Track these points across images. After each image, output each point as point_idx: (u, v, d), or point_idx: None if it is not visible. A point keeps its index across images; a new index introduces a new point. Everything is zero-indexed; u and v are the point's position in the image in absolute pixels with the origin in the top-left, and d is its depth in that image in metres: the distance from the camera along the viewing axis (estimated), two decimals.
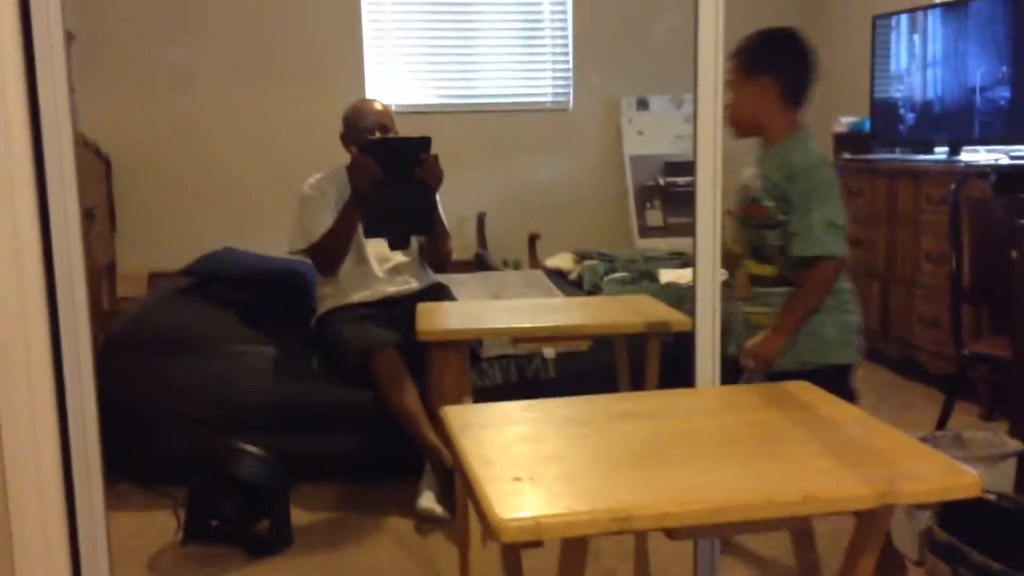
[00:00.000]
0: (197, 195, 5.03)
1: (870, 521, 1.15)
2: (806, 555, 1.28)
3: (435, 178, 2.73)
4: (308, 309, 3.14)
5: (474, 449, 1.22)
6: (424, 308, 2.18)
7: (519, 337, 1.95)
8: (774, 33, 2.23)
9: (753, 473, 1.14)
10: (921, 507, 2.09)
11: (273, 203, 4.57)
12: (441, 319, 2.05)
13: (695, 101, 1.70)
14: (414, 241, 3.06)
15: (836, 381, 2.11)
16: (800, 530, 1.26)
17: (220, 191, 5.04)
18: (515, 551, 1.22)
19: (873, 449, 1.20)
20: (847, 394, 2.18)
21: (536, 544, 1.05)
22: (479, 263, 5.00)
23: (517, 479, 1.13)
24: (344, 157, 3.07)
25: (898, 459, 1.16)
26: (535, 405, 1.45)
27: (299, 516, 2.69)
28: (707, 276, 1.68)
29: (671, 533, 1.08)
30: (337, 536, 2.61)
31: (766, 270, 2.20)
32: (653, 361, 1.98)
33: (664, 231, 5.27)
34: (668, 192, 5.31)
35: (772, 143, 2.19)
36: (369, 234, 2.81)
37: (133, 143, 4.92)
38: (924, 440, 2.50)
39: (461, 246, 4.85)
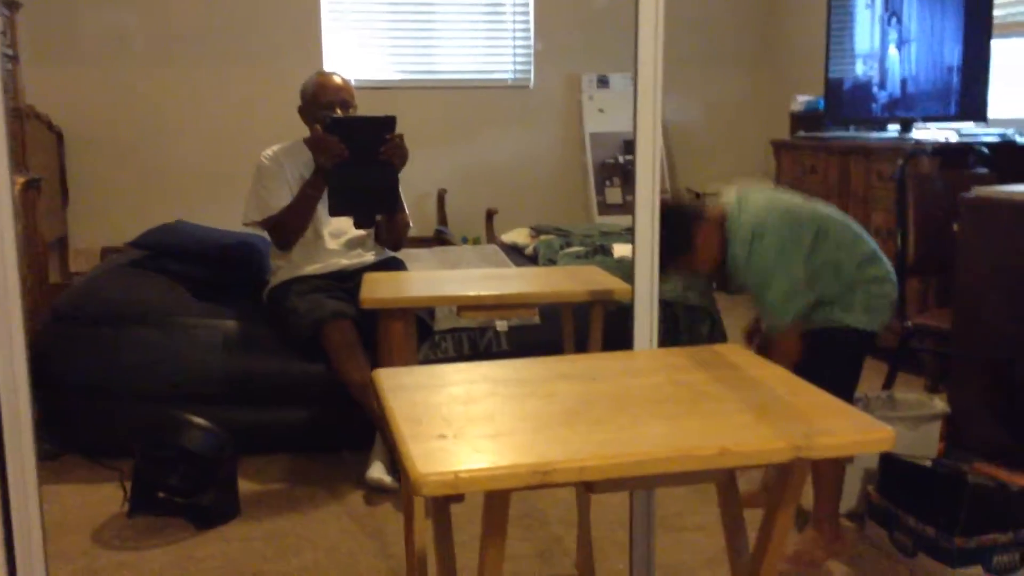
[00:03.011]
0: (151, 169, 4.97)
1: (787, 476, 1.18)
2: (730, 508, 1.31)
3: (400, 157, 2.74)
4: (260, 282, 3.13)
5: (403, 409, 1.23)
6: (370, 278, 2.19)
7: (464, 305, 1.96)
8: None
9: (674, 429, 1.16)
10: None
11: (227, 176, 4.54)
12: (385, 288, 2.05)
13: (635, 78, 1.70)
14: None
15: (843, 343, 2.20)
16: (724, 484, 1.29)
17: (174, 165, 4.99)
18: (444, 509, 1.23)
19: (793, 406, 1.22)
20: (849, 357, 2.23)
21: (457, 499, 1.06)
22: (439, 239, 5.00)
23: (442, 436, 1.14)
24: (301, 130, 3.05)
25: (816, 416, 1.18)
26: (471, 367, 1.46)
27: (248, 488, 2.70)
28: (646, 243, 1.69)
29: (591, 487, 1.10)
30: (286, 507, 2.61)
31: None
32: (596, 327, 2.00)
33: (623, 208, 5.30)
34: (627, 170, 5.34)
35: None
36: (334, 212, 2.82)
37: (85, 116, 4.85)
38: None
39: (421, 223, 4.84)
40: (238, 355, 2.95)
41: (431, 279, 2.51)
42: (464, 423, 1.19)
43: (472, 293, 1.97)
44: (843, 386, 2.19)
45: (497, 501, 1.11)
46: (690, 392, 1.29)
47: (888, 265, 2.26)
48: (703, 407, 1.23)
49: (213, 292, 3.15)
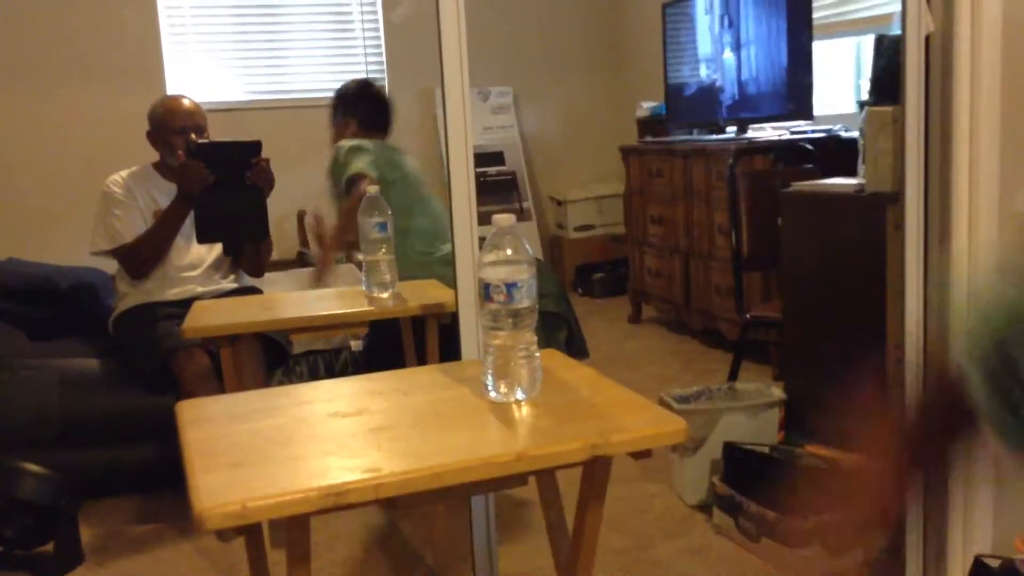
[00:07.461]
0: None
1: (590, 473, 1.20)
2: (550, 508, 1.33)
3: (267, 182, 2.70)
4: (99, 319, 3.00)
5: (199, 442, 1.20)
6: (198, 306, 2.12)
7: (290, 328, 1.93)
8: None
9: (475, 439, 1.17)
10: None
11: (64, 208, 4.34)
12: (211, 316, 2.00)
13: (443, 91, 1.72)
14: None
15: None
16: (545, 485, 1.31)
17: (4, 198, 4.73)
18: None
19: (594, 406, 1.25)
20: None
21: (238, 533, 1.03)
22: (302, 262, 4.91)
23: (235, 465, 1.11)
24: (142, 157, 2.95)
25: (614, 414, 1.21)
26: (280, 391, 1.43)
27: (94, 532, 2.59)
28: (467, 255, 1.71)
29: (391, 504, 1.09)
30: (133, 549, 2.51)
31: None
32: (432, 340, 2.01)
33: (481, 219, 5.32)
34: (484, 182, 5.37)
35: None
36: (202, 239, 2.76)
37: None
38: (700, 394, 2.65)
39: (282, 245, 4.75)
40: (77, 395, 2.82)
41: (261, 303, 2.46)
42: (261, 450, 1.17)
43: (300, 315, 1.94)
44: None
45: (295, 528, 1.09)
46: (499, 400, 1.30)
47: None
48: (508, 414, 1.24)
49: (50, 331, 3.01)
